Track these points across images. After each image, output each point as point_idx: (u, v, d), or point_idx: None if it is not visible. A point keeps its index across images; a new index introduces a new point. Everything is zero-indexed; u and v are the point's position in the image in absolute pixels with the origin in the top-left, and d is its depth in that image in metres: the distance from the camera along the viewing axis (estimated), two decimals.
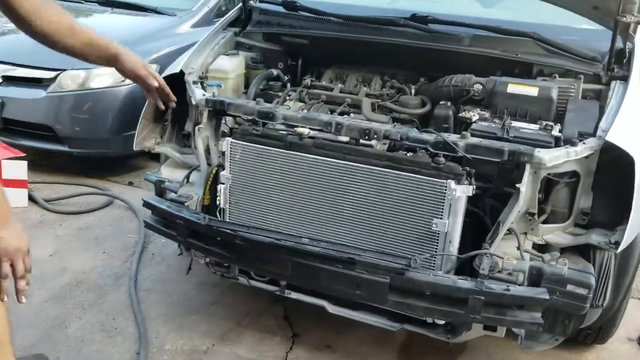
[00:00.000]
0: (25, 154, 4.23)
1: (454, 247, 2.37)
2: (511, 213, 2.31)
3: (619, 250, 2.25)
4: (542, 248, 2.49)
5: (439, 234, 2.36)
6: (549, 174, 2.34)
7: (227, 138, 2.63)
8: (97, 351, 2.76)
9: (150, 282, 3.36)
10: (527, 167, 2.29)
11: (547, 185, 2.44)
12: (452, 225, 2.34)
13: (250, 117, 2.68)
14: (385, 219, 2.43)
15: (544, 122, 2.55)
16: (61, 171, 4.83)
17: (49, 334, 2.84)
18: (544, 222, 2.45)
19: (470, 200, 2.40)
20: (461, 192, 2.30)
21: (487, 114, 2.67)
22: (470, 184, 2.34)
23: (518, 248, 2.36)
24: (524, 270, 2.25)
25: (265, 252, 2.44)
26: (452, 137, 2.39)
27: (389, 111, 2.94)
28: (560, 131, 2.48)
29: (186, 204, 2.72)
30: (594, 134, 2.35)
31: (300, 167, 2.51)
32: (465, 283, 2.23)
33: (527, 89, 2.65)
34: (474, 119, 2.62)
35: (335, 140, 2.54)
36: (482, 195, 2.49)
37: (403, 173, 2.36)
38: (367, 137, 2.48)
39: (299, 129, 2.56)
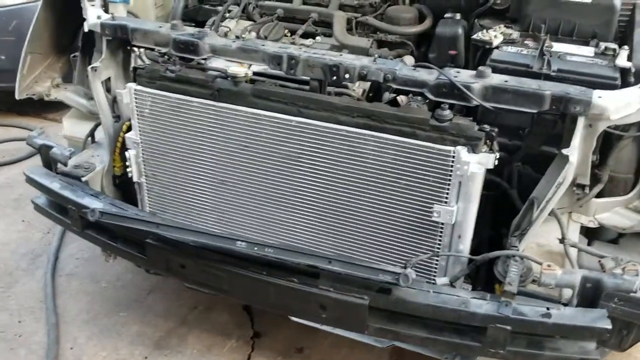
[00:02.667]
0: None
1: (465, 245, 1.59)
2: (551, 189, 1.52)
3: None
4: (594, 232, 1.73)
5: (442, 226, 1.57)
6: (609, 126, 1.53)
7: (130, 84, 1.80)
8: None
9: (75, 262, 2.63)
10: (581, 120, 1.46)
11: (605, 141, 1.63)
12: (463, 214, 1.55)
13: (165, 50, 1.83)
14: (363, 207, 1.64)
15: (603, 45, 1.69)
16: None
17: None
18: (598, 194, 1.66)
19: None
20: (477, 165, 1.49)
21: (513, 32, 1.80)
22: (491, 151, 1.52)
23: (561, 241, 1.58)
24: (573, 284, 1.47)
25: (190, 259, 1.67)
26: (463, 76, 1.54)
27: (373, 30, 2.06)
28: (628, 58, 1.62)
29: (84, 178, 1.92)
30: None
31: (234, 127, 1.69)
32: (482, 305, 1.46)
33: None
34: (495, 42, 1.74)
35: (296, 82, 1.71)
36: (508, 158, 1.68)
37: (386, 136, 1.54)
38: (335, 78, 1.63)
39: (233, 69, 1.71)
